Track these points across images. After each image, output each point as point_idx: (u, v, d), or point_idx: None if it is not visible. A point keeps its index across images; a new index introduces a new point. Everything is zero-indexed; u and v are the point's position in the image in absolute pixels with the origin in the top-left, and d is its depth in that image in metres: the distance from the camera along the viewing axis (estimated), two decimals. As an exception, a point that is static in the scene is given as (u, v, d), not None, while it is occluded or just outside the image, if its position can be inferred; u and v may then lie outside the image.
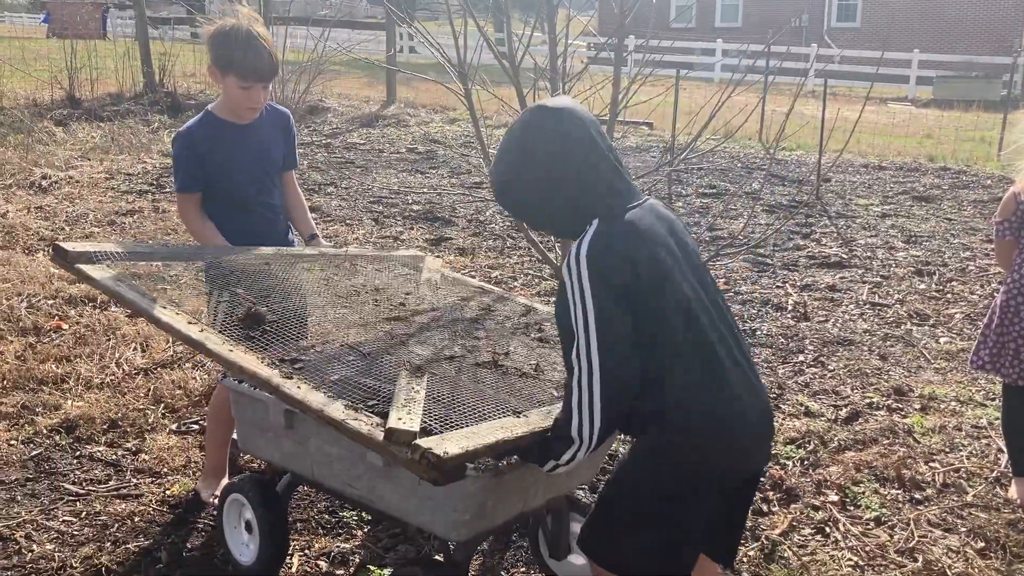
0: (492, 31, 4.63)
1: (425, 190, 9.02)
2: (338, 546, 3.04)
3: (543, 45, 4.34)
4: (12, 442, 3.63)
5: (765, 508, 3.37)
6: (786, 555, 3.08)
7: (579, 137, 2.11)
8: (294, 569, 2.90)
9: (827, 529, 3.25)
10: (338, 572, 2.91)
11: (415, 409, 2.13)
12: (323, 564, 2.94)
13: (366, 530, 3.14)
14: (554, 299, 2.13)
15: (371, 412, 2.15)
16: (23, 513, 3.14)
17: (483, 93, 4.22)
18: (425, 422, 2.11)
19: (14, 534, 3.00)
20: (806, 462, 3.70)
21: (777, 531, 3.20)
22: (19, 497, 3.26)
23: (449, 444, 1.97)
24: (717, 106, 4.07)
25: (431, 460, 1.93)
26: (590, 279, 1.98)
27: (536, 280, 6.12)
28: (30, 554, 2.90)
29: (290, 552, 2.93)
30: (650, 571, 2.12)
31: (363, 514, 3.21)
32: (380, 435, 2.03)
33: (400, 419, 2.06)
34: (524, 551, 3.03)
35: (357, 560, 2.97)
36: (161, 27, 17.81)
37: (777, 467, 3.64)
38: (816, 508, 3.38)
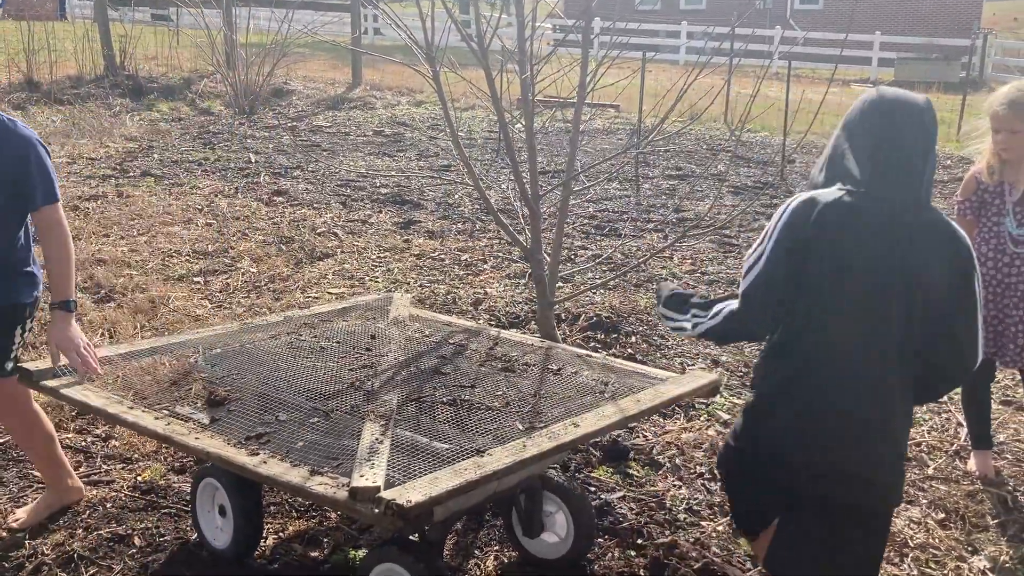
0: (459, 13, 4.61)
1: (393, 173, 8.99)
2: (312, 528, 3.05)
3: (511, 27, 4.34)
4: (-22, 430, 3.59)
5: (733, 484, 3.43)
6: (754, 529, 3.14)
7: (878, 122, 2.10)
8: (268, 552, 2.91)
9: (793, 503, 3.31)
10: (313, 554, 2.92)
11: (378, 462, 2.19)
12: (298, 547, 2.95)
13: (340, 512, 3.15)
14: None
15: (336, 472, 2.21)
16: (-8, 502, 3.12)
17: (451, 75, 4.22)
18: (388, 474, 2.16)
19: (-17, 522, 2.97)
20: (773, 439, 3.77)
21: (745, 506, 3.26)
22: (-13, 485, 3.23)
23: (412, 493, 2.04)
24: (683, 88, 4.10)
25: (395, 510, 1.99)
26: (785, 222, 2.08)
27: (506, 263, 6.14)
28: (0, 542, 2.89)
29: (264, 535, 2.93)
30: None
31: (337, 497, 3.23)
32: (344, 495, 2.09)
33: (363, 476, 2.12)
34: (498, 530, 3.07)
35: (332, 542, 2.99)
36: (121, 8, 17.47)
37: (744, 444, 3.70)
38: (783, 483, 3.44)
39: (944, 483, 3.48)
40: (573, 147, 4.34)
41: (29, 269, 2.87)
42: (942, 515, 3.26)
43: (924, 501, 3.35)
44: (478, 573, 2.88)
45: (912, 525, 3.19)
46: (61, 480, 3.10)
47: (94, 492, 3.20)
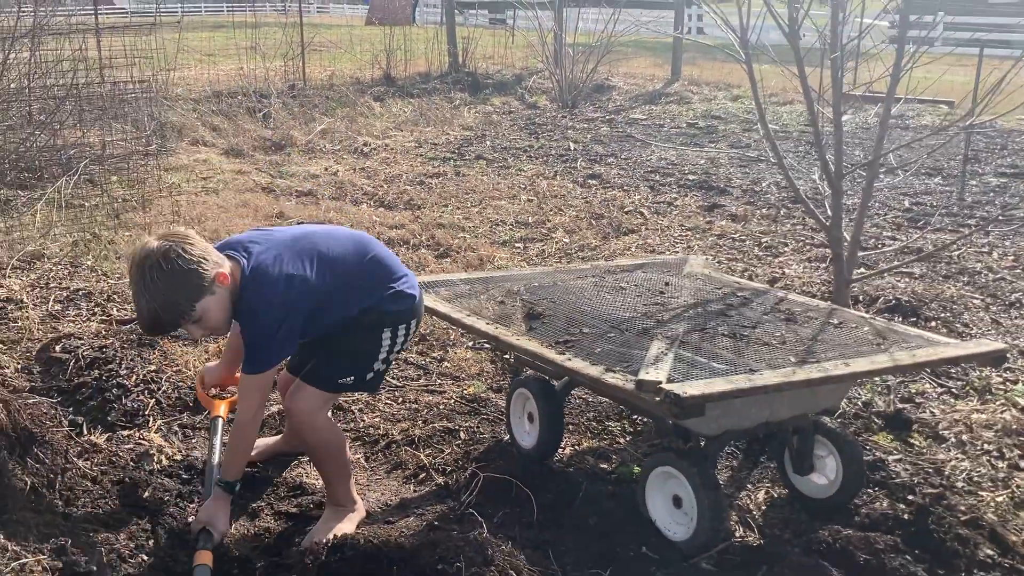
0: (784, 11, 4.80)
1: (702, 161, 9.27)
2: (603, 447, 3.50)
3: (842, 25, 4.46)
4: (346, 344, 4.47)
5: None
6: (1037, 504, 3.10)
7: None
8: (565, 459, 3.40)
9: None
10: (602, 465, 3.37)
11: (662, 367, 2.61)
12: (590, 459, 3.42)
13: (628, 438, 3.58)
14: None
15: (627, 372, 2.65)
16: (356, 395, 3.91)
17: (770, 71, 4.45)
18: (670, 375, 2.56)
19: (350, 407, 3.76)
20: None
21: (1031, 483, 3.22)
22: (352, 384, 4.05)
23: (689, 387, 2.43)
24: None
25: (673, 399, 2.38)
26: None
27: (807, 246, 6.21)
28: (362, 423, 3.65)
29: (563, 446, 3.43)
30: None
31: (627, 425, 3.66)
32: (631, 385, 2.52)
33: (648, 373, 2.54)
34: (771, 470, 3.32)
35: (618, 459, 3.42)
36: (465, 12, 19.30)
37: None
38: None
39: None
40: (883, 128, 4.40)
41: (391, 290, 2.84)
42: None
43: None
44: (748, 503, 3.16)
45: None
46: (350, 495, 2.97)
47: (430, 398, 3.90)
